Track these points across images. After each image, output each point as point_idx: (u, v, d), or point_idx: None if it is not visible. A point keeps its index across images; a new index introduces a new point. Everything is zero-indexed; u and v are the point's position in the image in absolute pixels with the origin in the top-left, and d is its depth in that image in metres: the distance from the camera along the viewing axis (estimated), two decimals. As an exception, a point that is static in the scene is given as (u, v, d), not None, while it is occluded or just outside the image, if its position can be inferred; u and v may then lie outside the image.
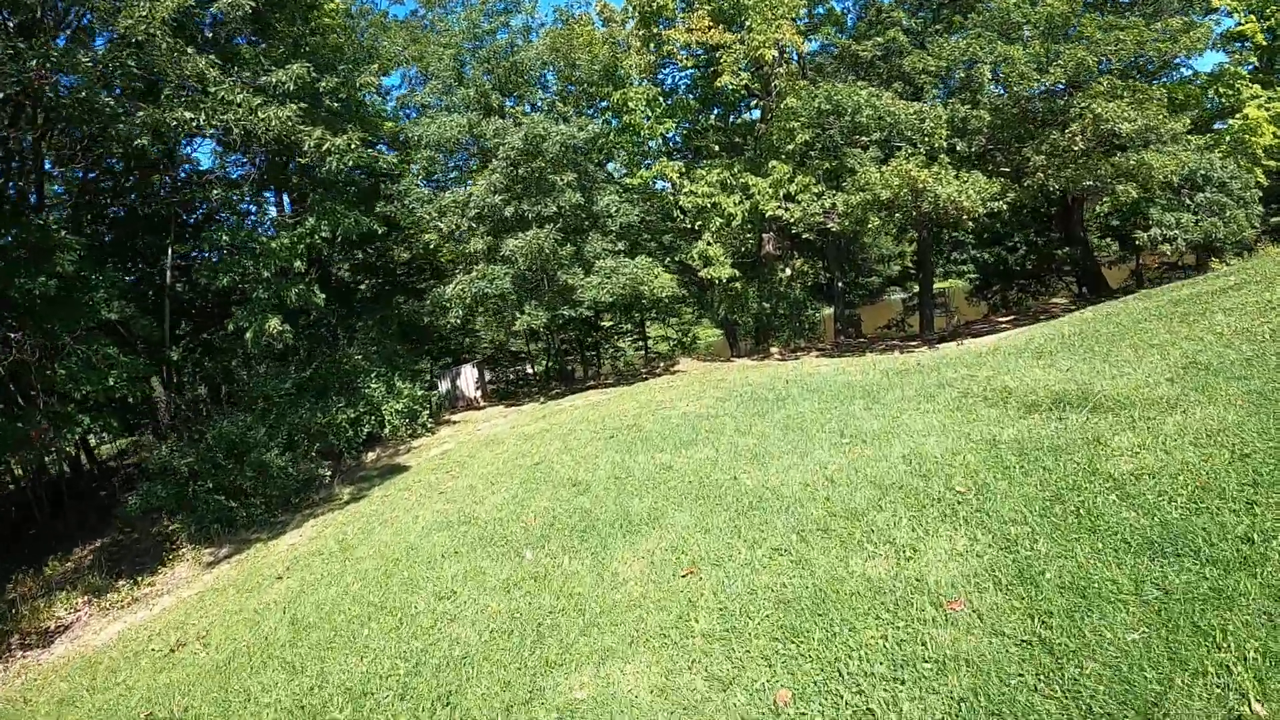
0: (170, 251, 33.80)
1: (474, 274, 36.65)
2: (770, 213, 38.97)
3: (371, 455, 35.41)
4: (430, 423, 36.79)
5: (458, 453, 30.65)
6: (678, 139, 46.30)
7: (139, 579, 24.62)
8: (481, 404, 42.30)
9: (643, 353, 53.95)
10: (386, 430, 36.05)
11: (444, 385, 43.24)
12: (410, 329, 41.94)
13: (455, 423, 38.44)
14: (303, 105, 31.17)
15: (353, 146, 32.39)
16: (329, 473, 30.56)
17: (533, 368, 52.16)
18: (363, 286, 46.82)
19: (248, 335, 31.56)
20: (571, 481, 20.51)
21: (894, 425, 18.58)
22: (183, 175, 37.09)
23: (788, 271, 47.17)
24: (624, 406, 29.95)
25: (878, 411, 20.48)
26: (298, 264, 32.67)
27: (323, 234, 34.50)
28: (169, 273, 33.77)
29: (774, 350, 43.71)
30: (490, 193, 36.91)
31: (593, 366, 52.48)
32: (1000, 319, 47.38)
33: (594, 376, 47.81)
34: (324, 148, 32.03)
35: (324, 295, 34.07)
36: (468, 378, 42.88)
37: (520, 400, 41.88)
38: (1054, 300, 52.36)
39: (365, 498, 27.94)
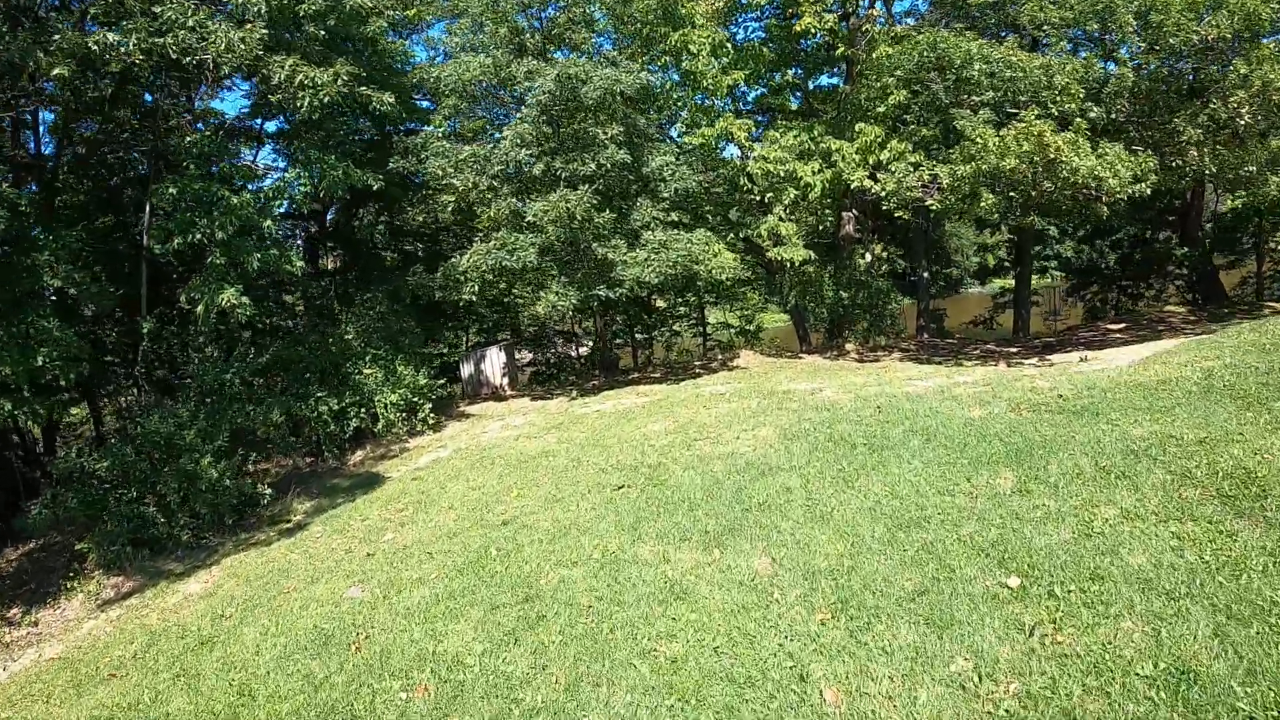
0: (149, 208, 25.63)
1: (493, 242, 28.19)
2: (856, 184, 30.03)
3: (358, 455, 27.58)
4: (433, 418, 28.37)
5: (438, 472, 22.78)
6: (748, 96, 37.39)
7: (32, 611, 19.00)
8: (507, 393, 33.93)
9: (700, 339, 45.11)
10: (380, 425, 27.82)
11: (467, 369, 34.93)
12: (434, 305, 33.51)
13: (469, 417, 30.02)
14: (267, 31, 23.44)
15: (337, 82, 24.13)
16: (268, 491, 22.36)
17: (577, 350, 43.69)
18: (386, 255, 38.62)
19: (199, 309, 23.51)
20: (523, 594, 12.70)
21: (1096, 544, 11.16)
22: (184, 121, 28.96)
23: (868, 257, 38.21)
24: (656, 426, 21.53)
25: (1045, 497, 12.86)
26: (268, 224, 24.40)
27: (303, 188, 26.29)
28: (145, 234, 25.60)
29: (850, 347, 34.89)
30: (516, 146, 28.33)
31: (645, 350, 43.93)
32: (1110, 326, 37.94)
33: (642, 366, 39.17)
34: (297, 80, 23.76)
35: (303, 262, 25.79)
36: (494, 362, 34.55)
37: (551, 392, 33.35)
38: (1169, 308, 42.76)
39: (306, 529, 20.87)
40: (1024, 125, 25.55)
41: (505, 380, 34.09)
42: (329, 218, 38.87)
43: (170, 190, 23.17)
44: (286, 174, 26.42)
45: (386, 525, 18.40)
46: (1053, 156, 25.35)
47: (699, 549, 12.52)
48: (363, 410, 27.78)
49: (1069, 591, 9.79)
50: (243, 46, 22.48)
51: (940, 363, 29.66)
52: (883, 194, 29.15)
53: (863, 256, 37.09)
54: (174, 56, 22.37)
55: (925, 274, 40.50)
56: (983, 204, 27.17)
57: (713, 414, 21.57)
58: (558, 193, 26.61)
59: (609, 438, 21.30)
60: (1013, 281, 50.42)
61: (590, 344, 41.31)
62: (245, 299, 23.50)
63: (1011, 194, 27.94)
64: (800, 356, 33.69)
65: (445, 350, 39.60)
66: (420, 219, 36.43)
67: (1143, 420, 15.06)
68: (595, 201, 27.07)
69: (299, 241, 38.49)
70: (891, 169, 29.10)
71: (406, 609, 12.80)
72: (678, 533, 13.30)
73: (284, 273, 25.60)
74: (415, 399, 28.08)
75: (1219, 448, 12.97)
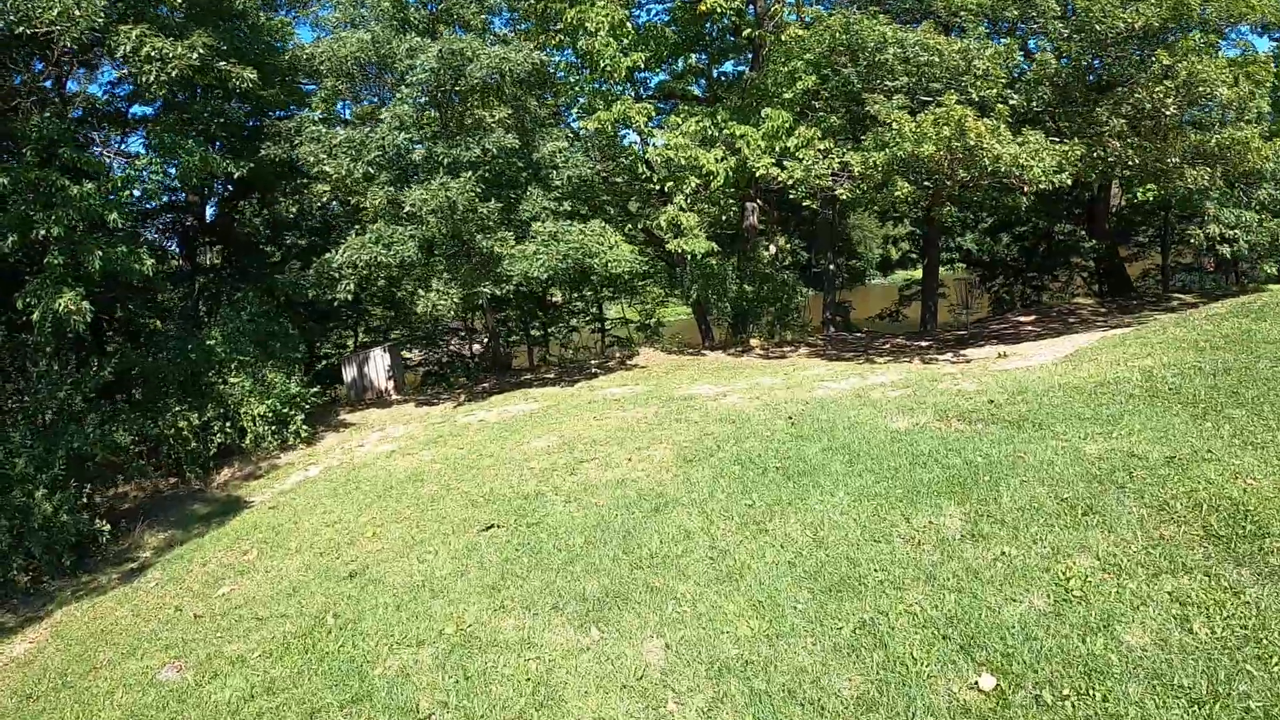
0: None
1: (369, 235, 25.08)
2: (762, 172, 27.34)
3: (225, 474, 24.16)
4: (306, 430, 25.15)
5: (299, 499, 19.81)
6: (650, 82, 34.52)
7: None
8: (392, 397, 30.75)
9: (598, 335, 42.02)
10: (248, 440, 24.60)
11: (350, 372, 31.61)
12: (317, 305, 30.18)
13: (348, 426, 26.82)
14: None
15: (193, 54, 20.99)
16: (106, 528, 19.06)
17: (471, 347, 40.39)
18: (269, 250, 34.99)
19: (34, 317, 20.21)
20: (351, 691, 9.89)
21: (1081, 616, 8.70)
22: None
23: (771, 249, 35.66)
24: (540, 442, 18.83)
25: (1004, 544, 10.40)
26: (112, 217, 21.02)
27: (155, 176, 22.94)
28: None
29: (754, 343, 32.28)
30: (395, 129, 25.24)
31: (541, 347, 40.63)
32: (1020, 318, 35.78)
33: (536, 366, 35.95)
34: (143, 52, 20.53)
35: (152, 260, 22.40)
36: (378, 364, 31.30)
37: (438, 396, 30.20)
38: (1077, 300, 40.74)
39: (145, 574, 17.26)
40: (943, 110, 23.13)
41: (390, 384, 30.93)
42: (209, 211, 35.31)
43: (1, 180, 19.76)
44: (137, 160, 23.00)
45: (226, 573, 15.26)
46: (973, 143, 23.02)
47: (574, 625, 9.71)
48: (228, 424, 24.55)
49: (1062, 697, 7.20)
50: (79, 13, 19.16)
51: (851, 359, 27.21)
52: (789, 183, 26.60)
53: (766, 249, 34.53)
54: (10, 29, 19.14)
55: (831, 266, 38.07)
56: (898, 192, 24.71)
57: (604, 426, 18.87)
58: (437, 180, 23.61)
59: (486, 456, 18.45)
60: (919, 273, 48.37)
61: (485, 340, 38.21)
62: (86, 304, 20.15)
63: (927, 183, 25.56)
64: (703, 354, 31.05)
65: (329, 353, 36.31)
66: (295, 210, 33.01)
67: (1093, 434, 12.78)
68: (479, 190, 24.10)
69: (170, 238, 34.91)
70: (799, 156, 26.55)
71: (215, 706, 9.80)
72: (550, 598, 10.47)
73: (131, 273, 22.14)
74: (286, 410, 24.88)
75: (1190, 469, 10.91)
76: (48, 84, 24.55)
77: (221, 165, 23.55)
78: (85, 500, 19.28)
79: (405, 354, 39.60)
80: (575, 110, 30.61)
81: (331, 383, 33.33)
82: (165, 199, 33.80)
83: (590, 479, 15.09)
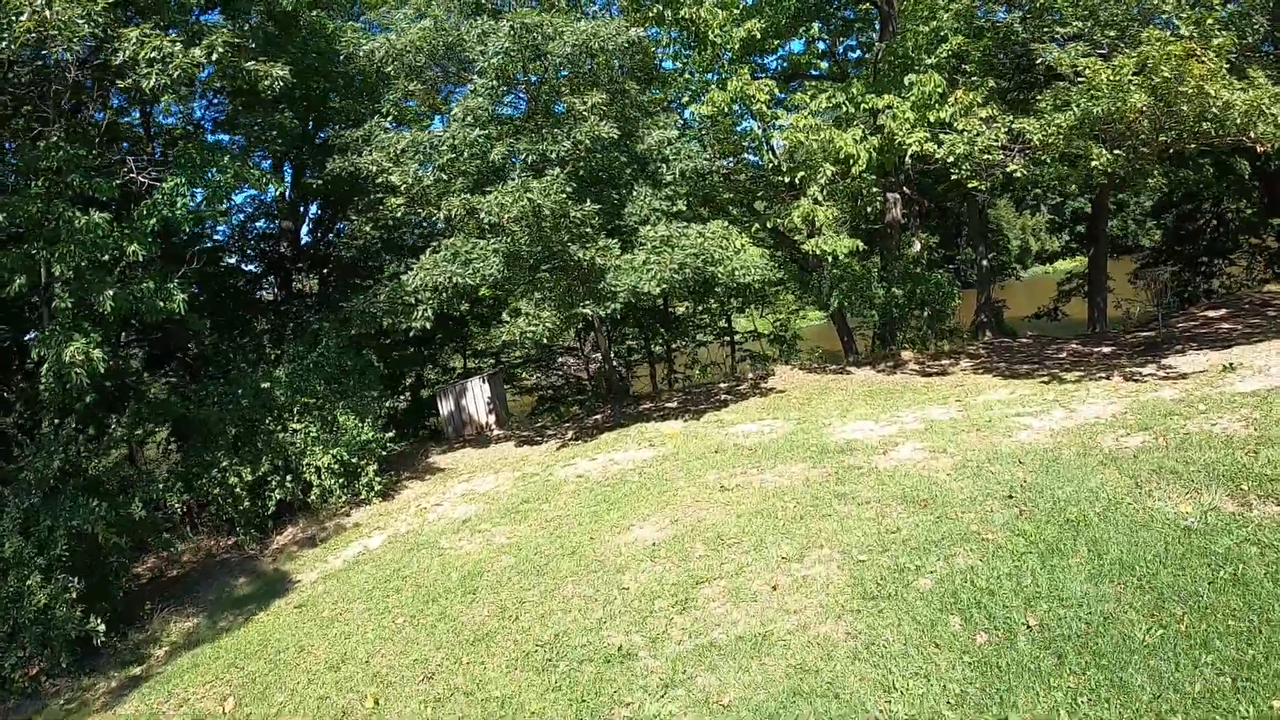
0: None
1: (444, 252, 19.32)
2: (914, 149, 20.75)
3: (286, 535, 19.42)
4: (380, 482, 19.59)
5: (339, 590, 14.78)
6: (769, 66, 27.97)
7: None
8: (493, 432, 25.13)
9: (728, 349, 34.96)
10: (314, 495, 19.18)
11: (446, 406, 26.03)
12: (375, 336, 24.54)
13: (435, 473, 21.23)
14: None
15: (211, 55, 15.79)
16: (101, 626, 13.69)
17: (588, 368, 34.36)
18: (371, 271, 29.57)
19: (44, 369, 15.05)
20: None
21: None
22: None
23: (915, 245, 28.82)
24: (644, 530, 13.21)
25: None
26: (133, 249, 15.66)
27: (182, 200, 17.35)
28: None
29: (907, 355, 25.66)
30: (468, 125, 19.52)
31: (665, 364, 34.09)
32: (1208, 313, 28.17)
33: (658, 392, 29.76)
34: (144, 54, 15.22)
35: (184, 295, 16.95)
36: (476, 396, 25.65)
37: (544, 432, 24.37)
38: (1269, 288, 32.54)
39: (140, 688, 12.96)
40: (1155, 48, 16.34)
41: (491, 418, 25.18)
42: (304, 234, 30.13)
43: (-1, 216, 14.69)
44: (164, 184, 17.51)
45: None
46: (1192, 89, 16.19)
47: None
48: (288, 478, 19.26)
49: None
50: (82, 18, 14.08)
51: (1029, 375, 20.42)
52: (950, 160, 19.95)
53: (910, 246, 27.74)
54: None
55: (984, 261, 31.02)
56: (1095, 162, 17.92)
57: (736, 503, 12.94)
58: (514, 180, 17.74)
59: (569, 552, 12.69)
60: (1070, 264, 40.81)
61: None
62: (98, 352, 14.84)
63: (1118, 150, 18.69)
64: (848, 371, 24.55)
65: (434, 379, 30.63)
66: (367, 229, 27.46)
67: None
68: (570, 190, 18.14)
69: (254, 267, 29.78)
70: (959, 128, 19.93)
71: None
72: None
73: (156, 312, 16.77)
74: (355, 459, 19.32)
75: None
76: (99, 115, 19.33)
77: (261, 179, 18.03)
78: (79, 589, 13.99)
79: (523, 376, 33.78)
80: (685, 97, 24.29)
81: (427, 416, 27.76)
82: (241, 221, 29.23)
83: (710, 628, 9.41)
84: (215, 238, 27.96)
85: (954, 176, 20.95)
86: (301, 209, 28.85)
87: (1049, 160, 19.51)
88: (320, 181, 25.78)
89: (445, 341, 29.99)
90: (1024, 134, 19.28)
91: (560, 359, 34.08)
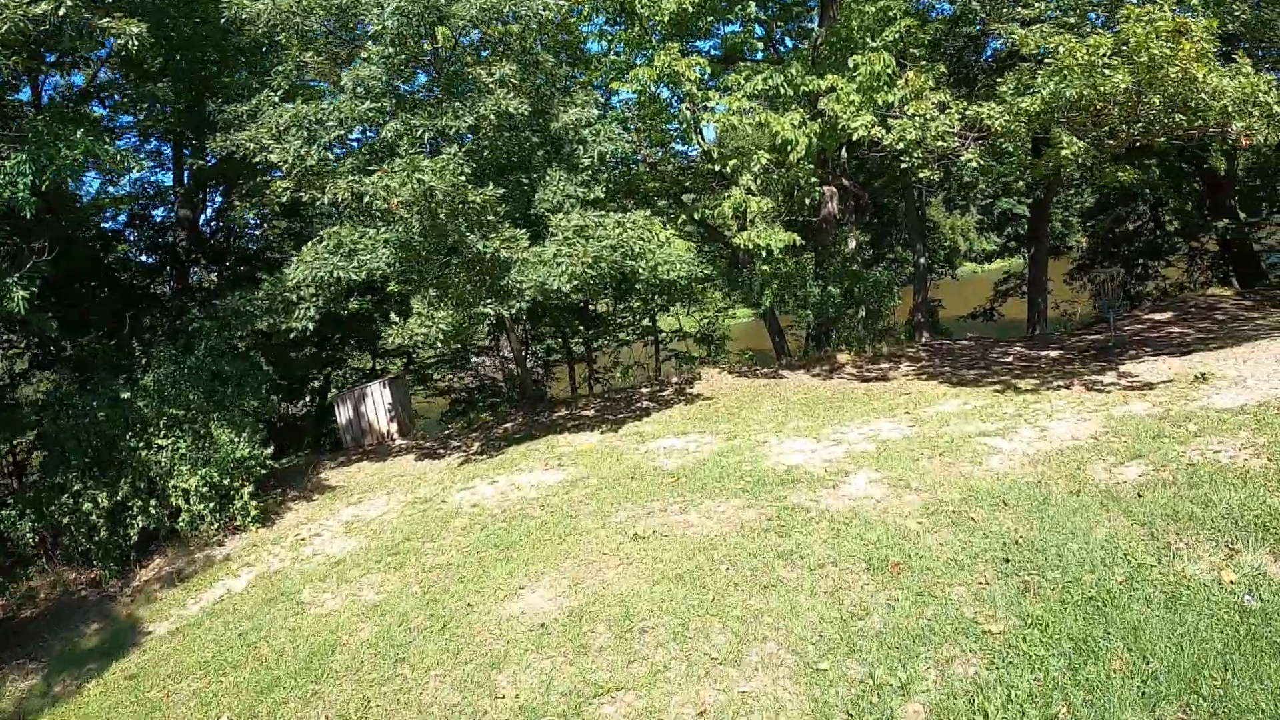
0: None
1: (328, 241, 16.14)
2: (861, 134, 17.90)
3: (152, 568, 15.89)
4: (256, 506, 16.30)
5: (182, 654, 11.67)
6: (701, 48, 24.83)
7: None
8: (395, 442, 21.89)
9: (652, 351, 31.01)
10: (183, 521, 15.81)
11: (344, 413, 22.69)
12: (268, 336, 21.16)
13: (325, 491, 17.91)
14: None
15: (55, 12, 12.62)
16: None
17: (505, 370, 30.95)
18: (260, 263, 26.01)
19: None
20: None
21: None
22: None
23: (851, 243, 25.98)
24: (538, 597, 9.98)
25: None
26: None
27: (24, 180, 13.94)
28: None
29: (843, 358, 22.88)
30: (358, 97, 16.36)
31: (585, 363, 30.57)
32: (1155, 316, 25.61)
33: (574, 397, 26.20)
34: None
35: (27, 293, 13.72)
36: (377, 402, 22.37)
37: (448, 442, 21.08)
38: (1212, 291, 30.08)
39: None
40: (1140, 25, 13.73)
41: (393, 425, 21.99)
42: (205, 222, 26.53)
43: None
44: (5, 163, 14.13)
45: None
46: (1178, 73, 13.63)
47: None
48: (152, 502, 15.88)
49: None
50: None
51: (979, 383, 17.72)
52: (900, 146, 17.20)
53: (845, 242, 24.96)
54: None
55: (922, 259, 28.35)
56: (1067, 150, 15.30)
57: (654, 559, 9.96)
58: (401, 158, 14.63)
59: (438, 628, 9.60)
60: (1003, 265, 38.36)
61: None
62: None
63: (1097, 131, 16.07)
64: (781, 375, 21.70)
65: (319, 388, 27.12)
66: (250, 214, 24.07)
67: None
68: (470, 171, 15.08)
69: (148, 259, 26.14)
70: (909, 112, 17.21)
71: None
72: None
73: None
74: (227, 481, 16.03)
75: None
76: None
77: (115, 156, 14.69)
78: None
79: (435, 377, 30.38)
80: (611, 76, 21.22)
81: (332, 424, 24.46)
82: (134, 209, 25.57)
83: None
84: (100, 226, 24.42)
85: (904, 165, 18.15)
86: (201, 196, 25.34)
87: (1011, 149, 16.84)
88: (214, 165, 22.50)
89: (346, 340, 26.56)
90: (980, 120, 16.64)
91: (475, 359, 30.76)
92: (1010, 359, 20.73)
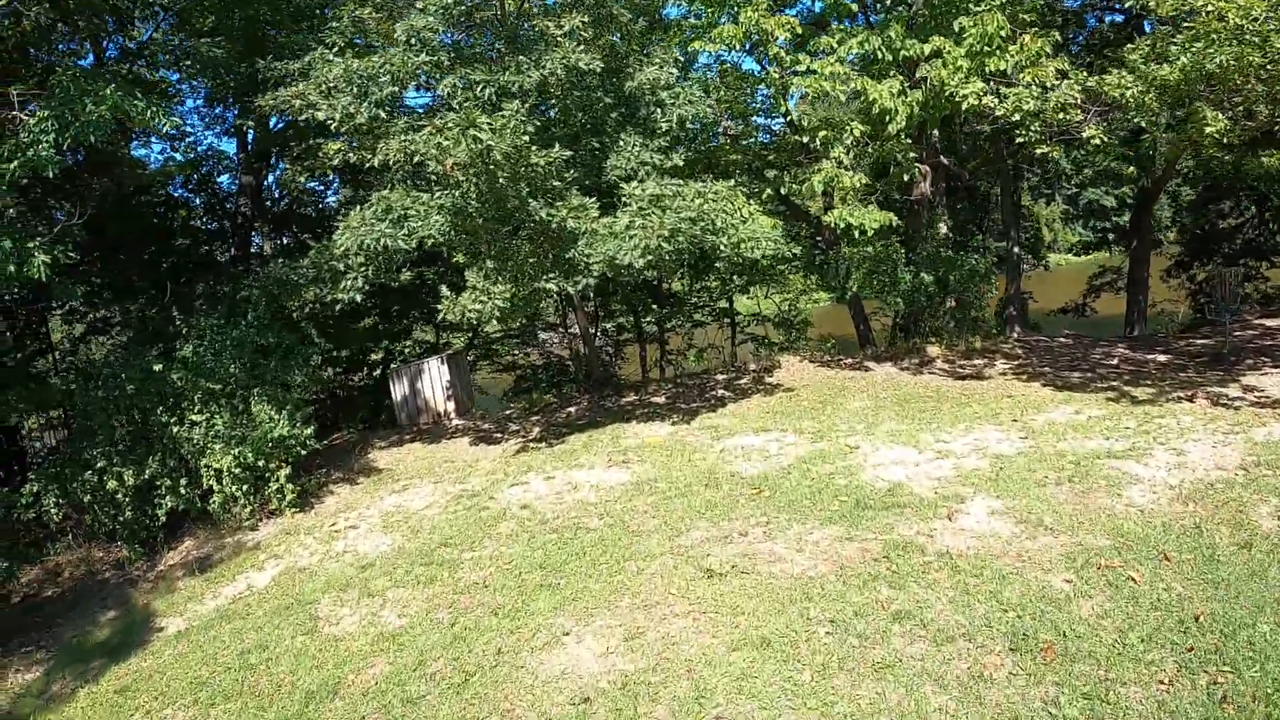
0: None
1: (376, 205, 14.13)
2: (972, 102, 15.58)
3: (180, 552, 14.07)
4: (293, 488, 14.46)
5: (195, 659, 9.85)
6: (789, 11, 22.22)
7: None
8: (451, 422, 19.98)
9: (728, 333, 27.67)
10: (215, 502, 14.05)
11: (399, 390, 20.68)
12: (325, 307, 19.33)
13: (370, 474, 15.99)
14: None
15: None
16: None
17: (573, 349, 28.23)
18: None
19: None
20: None
21: None
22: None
23: (942, 228, 23.28)
24: (587, 651, 7.54)
25: None
26: None
27: (47, 141, 12.04)
28: None
29: (933, 352, 20.47)
30: (413, 50, 14.26)
31: (656, 343, 27.56)
32: (1266, 322, 22.51)
33: (645, 381, 23.54)
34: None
35: (48, 257, 12.00)
36: (434, 379, 20.44)
37: (507, 425, 19.01)
38: None
39: None
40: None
41: (450, 404, 20.07)
42: (266, 190, 24.77)
43: None
44: (29, 120, 12.32)
45: None
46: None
47: None
48: (182, 482, 14.16)
49: None
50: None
51: (1088, 388, 15.14)
52: (1015, 118, 14.76)
53: (940, 226, 22.35)
54: None
55: (1016, 248, 25.58)
56: (1210, 127, 12.74)
57: (728, 616, 7.77)
58: (456, 113, 12.53)
59: (459, 683, 7.49)
60: (1089, 259, 35.05)
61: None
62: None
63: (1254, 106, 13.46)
64: (866, 367, 19.34)
65: (380, 360, 25.10)
66: (301, 179, 22.18)
67: None
68: (534, 129, 12.92)
69: (208, 224, 24.44)
70: (1025, 80, 14.73)
71: None
72: None
73: (6, 279, 11.85)
74: (262, 462, 14.18)
75: None
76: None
77: (145, 111, 12.77)
78: None
79: (501, 352, 28.27)
80: (691, 37, 18.87)
81: (376, 406, 22.61)
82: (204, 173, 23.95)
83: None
84: (162, 192, 22.81)
85: (1019, 139, 15.64)
86: (263, 163, 23.53)
87: (1147, 123, 14.25)
88: (278, 131, 20.82)
89: (405, 313, 24.54)
90: (1105, 93, 14.11)
91: (544, 335, 28.57)
92: (1115, 361, 18.05)
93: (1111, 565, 7.75)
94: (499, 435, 17.78)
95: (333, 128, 14.96)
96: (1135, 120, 14.64)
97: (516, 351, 27.99)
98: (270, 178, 24.59)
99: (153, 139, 23.21)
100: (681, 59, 18.19)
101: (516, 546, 10.25)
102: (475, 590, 9.25)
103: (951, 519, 9.10)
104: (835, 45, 17.22)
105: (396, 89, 14.50)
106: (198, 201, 24.57)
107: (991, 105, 15.19)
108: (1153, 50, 14.03)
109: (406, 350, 25.45)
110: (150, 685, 9.31)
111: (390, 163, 14.29)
